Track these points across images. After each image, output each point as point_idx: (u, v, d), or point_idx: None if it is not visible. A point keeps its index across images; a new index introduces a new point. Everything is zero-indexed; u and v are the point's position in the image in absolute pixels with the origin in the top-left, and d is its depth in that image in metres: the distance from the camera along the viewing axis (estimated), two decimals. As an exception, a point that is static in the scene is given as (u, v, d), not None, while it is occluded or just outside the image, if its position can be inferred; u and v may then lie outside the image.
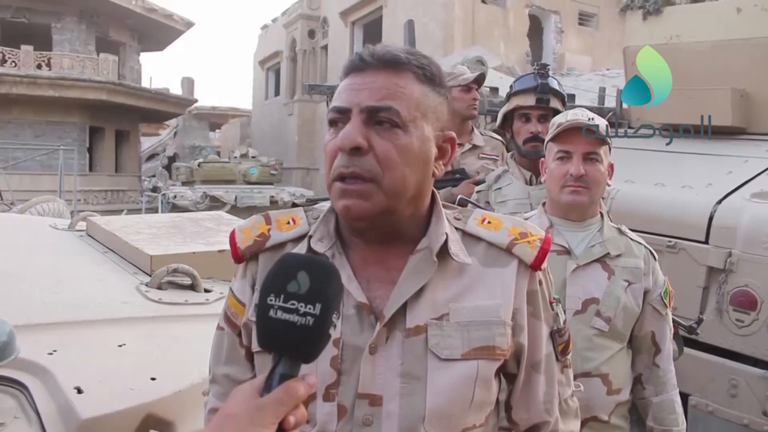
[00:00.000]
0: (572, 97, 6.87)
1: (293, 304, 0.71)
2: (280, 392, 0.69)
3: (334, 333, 0.92)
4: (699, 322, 2.59)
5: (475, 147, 3.27)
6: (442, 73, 0.99)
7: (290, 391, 0.70)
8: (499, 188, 2.70)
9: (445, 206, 1.05)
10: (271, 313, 0.71)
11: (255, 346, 1.01)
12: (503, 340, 0.96)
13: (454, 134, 1.01)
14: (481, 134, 3.39)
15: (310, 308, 0.70)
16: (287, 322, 0.70)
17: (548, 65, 2.84)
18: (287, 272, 0.72)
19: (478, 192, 2.79)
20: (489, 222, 1.02)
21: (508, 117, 2.72)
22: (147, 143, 34.14)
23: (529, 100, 2.60)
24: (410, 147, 0.92)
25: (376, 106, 0.91)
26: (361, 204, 0.91)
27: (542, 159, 2.00)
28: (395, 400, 0.93)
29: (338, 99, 0.95)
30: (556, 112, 2.57)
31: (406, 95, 0.92)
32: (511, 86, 2.81)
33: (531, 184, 2.63)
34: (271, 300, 0.71)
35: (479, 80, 3.20)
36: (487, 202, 2.70)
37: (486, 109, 6.77)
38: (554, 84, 2.64)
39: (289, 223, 1.05)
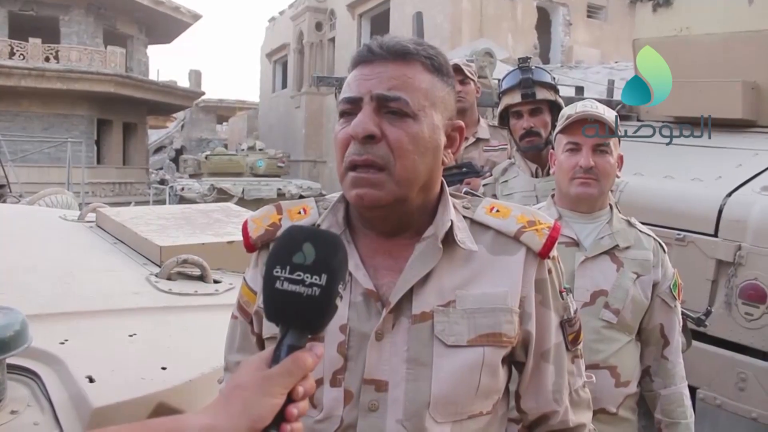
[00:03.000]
0: (581, 89, 6.83)
1: (299, 275, 0.71)
2: (288, 363, 0.70)
3: (341, 319, 0.94)
4: (707, 314, 2.59)
5: (479, 140, 3.26)
6: (448, 64, 1.01)
7: (298, 362, 0.71)
8: (506, 181, 2.73)
9: (455, 196, 1.06)
10: (278, 284, 0.72)
11: (265, 333, 1.03)
12: (510, 328, 0.97)
13: (462, 123, 1.03)
14: (489, 125, 3.37)
15: (316, 279, 0.71)
16: (294, 293, 0.71)
17: (530, 58, 2.85)
18: (293, 244, 0.73)
19: (485, 185, 2.82)
20: (498, 210, 1.03)
21: (504, 116, 2.76)
22: (154, 136, 34.25)
23: (516, 97, 2.62)
24: (421, 135, 0.93)
25: (387, 95, 0.92)
26: (373, 193, 0.92)
27: (551, 151, 1.99)
28: (401, 386, 0.94)
29: (348, 90, 0.96)
30: (552, 103, 2.61)
31: (415, 85, 0.93)
32: (499, 85, 2.84)
33: (537, 176, 2.66)
34: (277, 272, 0.72)
35: (458, 71, 3.14)
36: (494, 195, 2.71)
37: (495, 101, 6.74)
38: (540, 75, 2.64)
39: (300, 213, 1.06)
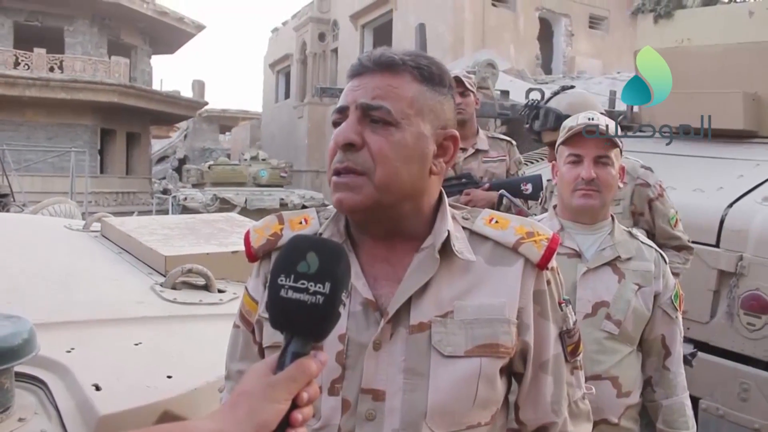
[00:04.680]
0: (582, 100, 6.85)
1: (303, 284, 0.73)
2: (293, 369, 0.72)
3: (340, 328, 0.95)
4: (693, 354, 2.61)
5: (478, 151, 3.29)
6: (443, 73, 1.02)
7: (303, 368, 0.72)
8: None
9: (455, 207, 1.07)
10: (282, 293, 0.73)
11: (266, 342, 1.04)
12: (507, 338, 0.97)
13: (456, 132, 1.03)
14: (488, 136, 3.41)
15: (319, 287, 0.72)
16: (298, 301, 0.73)
17: (534, 101, 2.94)
18: (297, 253, 0.75)
19: (548, 181, 2.94)
20: (496, 221, 1.04)
21: None
22: (157, 145, 34.33)
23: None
24: (403, 143, 0.94)
25: (369, 104, 0.94)
26: (351, 197, 0.94)
27: (553, 162, 2.01)
28: (398, 396, 0.94)
29: (340, 100, 1.00)
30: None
31: (398, 94, 0.95)
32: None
33: None
34: (281, 280, 0.74)
35: (458, 83, 3.16)
36: (552, 192, 2.86)
37: (497, 112, 6.76)
38: (546, 119, 2.75)
39: (301, 222, 1.08)
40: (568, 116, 2.60)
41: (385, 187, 0.94)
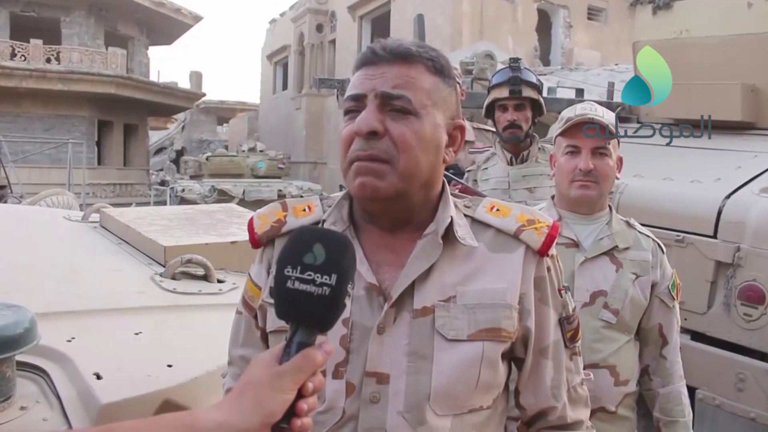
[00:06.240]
0: (581, 91, 6.85)
1: (310, 275, 0.73)
2: (299, 359, 0.73)
3: (344, 313, 0.96)
4: None
5: (465, 142, 3.34)
6: (449, 65, 1.04)
7: (308, 359, 0.73)
8: (486, 168, 3.07)
9: (456, 196, 1.09)
10: (289, 284, 0.74)
11: (269, 326, 1.05)
12: (509, 323, 0.99)
13: (463, 122, 1.05)
14: (474, 127, 3.50)
15: (326, 279, 0.73)
16: (304, 292, 0.73)
17: (520, 59, 3.15)
18: (303, 244, 0.75)
19: (468, 171, 3.16)
20: (498, 209, 1.05)
21: (490, 108, 3.05)
22: (155, 137, 34.21)
23: (504, 92, 2.91)
24: (423, 132, 0.95)
25: (391, 93, 0.94)
26: (375, 182, 0.94)
27: (552, 153, 2.01)
28: (402, 379, 0.95)
29: (353, 88, 0.98)
30: (534, 101, 2.91)
31: (418, 85, 0.96)
32: (489, 80, 3.16)
33: (511, 165, 2.98)
34: (288, 271, 0.74)
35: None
36: (475, 180, 3.08)
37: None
38: (527, 76, 2.93)
39: (304, 210, 1.09)
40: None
41: (407, 176, 0.95)
